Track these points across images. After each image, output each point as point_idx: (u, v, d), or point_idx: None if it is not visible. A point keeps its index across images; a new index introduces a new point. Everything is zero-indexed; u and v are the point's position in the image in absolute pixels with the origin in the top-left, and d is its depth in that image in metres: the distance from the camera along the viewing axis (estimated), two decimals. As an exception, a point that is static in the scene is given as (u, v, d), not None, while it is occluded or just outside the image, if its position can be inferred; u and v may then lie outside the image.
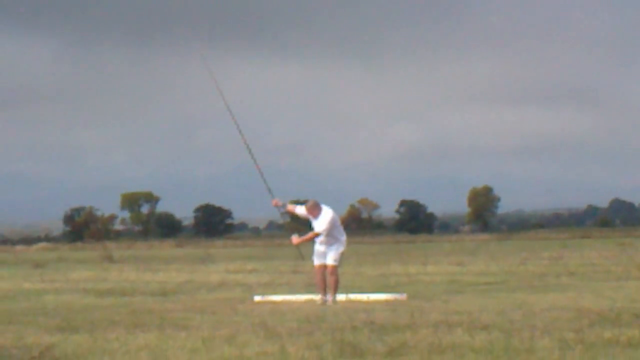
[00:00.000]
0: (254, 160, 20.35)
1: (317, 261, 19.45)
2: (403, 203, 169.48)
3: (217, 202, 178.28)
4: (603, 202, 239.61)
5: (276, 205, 20.17)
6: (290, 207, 20.18)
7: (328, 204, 19.63)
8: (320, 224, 19.21)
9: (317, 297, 19.45)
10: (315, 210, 19.34)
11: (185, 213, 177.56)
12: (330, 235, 19.29)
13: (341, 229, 19.63)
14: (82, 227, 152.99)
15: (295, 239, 19.96)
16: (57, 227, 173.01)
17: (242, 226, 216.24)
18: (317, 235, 19.27)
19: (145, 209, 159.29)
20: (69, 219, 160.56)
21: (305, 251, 21.13)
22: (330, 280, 19.29)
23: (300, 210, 19.71)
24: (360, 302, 19.32)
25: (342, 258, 19.69)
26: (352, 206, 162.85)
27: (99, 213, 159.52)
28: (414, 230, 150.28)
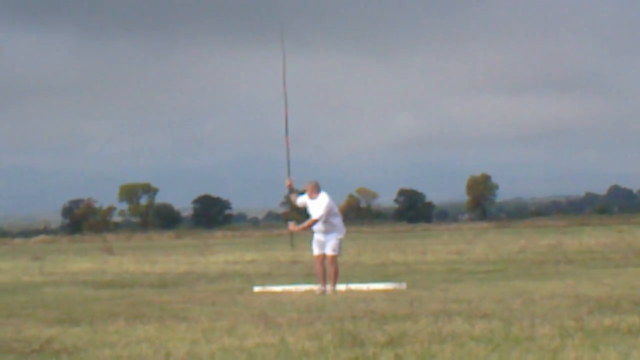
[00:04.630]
0: (286, 133, 20.59)
1: (316, 251, 19.43)
2: (402, 192, 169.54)
3: (215, 192, 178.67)
4: (601, 189, 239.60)
5: (289, 187, 20.03)
6: (293, 195, 20.08)
7: (327, 193, 19.58)
8: (317, 210, 19.16)
9: (315, 287, 19.45)
10: (314, 191, 19.31)
11: (183, 204, 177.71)
12: (328, 222, 19.24)
13: (339, 215, 19.60)
14: (81, 219, 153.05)
15: (292, 226, 19.92)
16: (56, 219, 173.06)
17: (241, 217, 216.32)
18: (315, 222, 19.22)
19: (143, 200, 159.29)
20: (67, 211, 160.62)
21: (300, 241, 21.05)
22: (330, 270, 19.28)
23: (300, 200, 19.70)
24: (359, 291, 19.32)
25: (341, 247, 19.69)
26: (351, 195, 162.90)
27: (97, 205, 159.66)
28: (412, 219, 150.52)
